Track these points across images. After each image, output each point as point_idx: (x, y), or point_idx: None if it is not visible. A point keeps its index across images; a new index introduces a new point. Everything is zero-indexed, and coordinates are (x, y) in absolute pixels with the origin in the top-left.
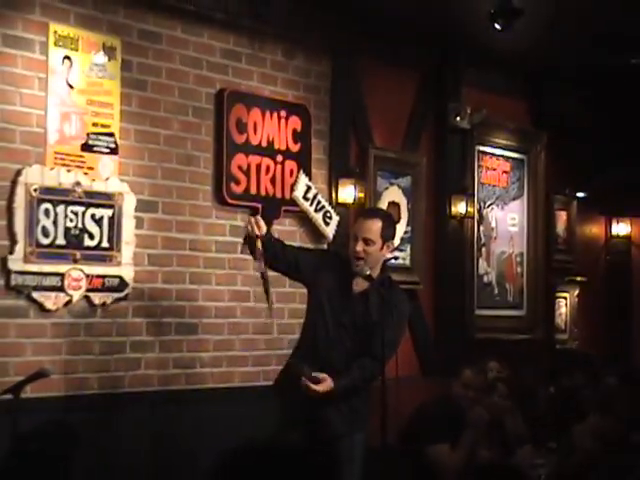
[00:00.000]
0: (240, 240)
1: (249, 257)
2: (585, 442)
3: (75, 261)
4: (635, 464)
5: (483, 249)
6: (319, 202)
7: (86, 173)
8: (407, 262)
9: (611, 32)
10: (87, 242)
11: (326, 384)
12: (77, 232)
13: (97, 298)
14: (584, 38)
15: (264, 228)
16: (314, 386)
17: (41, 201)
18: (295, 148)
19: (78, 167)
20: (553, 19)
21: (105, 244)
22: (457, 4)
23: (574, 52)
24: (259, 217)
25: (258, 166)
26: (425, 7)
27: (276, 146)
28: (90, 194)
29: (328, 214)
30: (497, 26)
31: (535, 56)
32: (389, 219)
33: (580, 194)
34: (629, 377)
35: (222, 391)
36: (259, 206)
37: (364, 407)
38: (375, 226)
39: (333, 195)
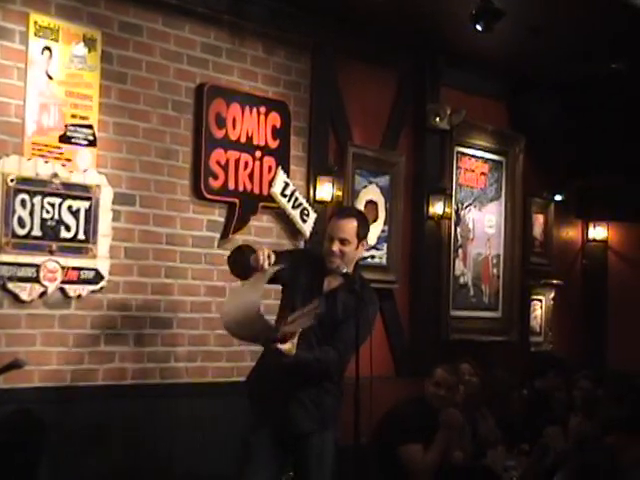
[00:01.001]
0: (217, 235)
1: (225, 252)
2: (558, 444)
3: (51, 252)
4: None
5: (460, 250)
6: (297, 199)
7: (64, 165)
8: (383, 261)
9: (592, 36)
10: (63, 234)
11: (288, 345)
12: (53, 224)
13: (72, 290)
14: (565, 41)
15: (273, 259)
16: (278, 344)
17: (18, 191)
18: (274, 144)
19: (56, 158)
20: (534, 22)
21: (81, 236)
22: (438, 5)
23: (554, 55)
24: (271, 251)
25: (237, 161)
26: (406, 7)
27: (255, 142)
28: (67, 186)
29: (306, 211)
30: (478, 27)
31: (515, 58)
32: (363, 218)
33: (557, 197)
34: (602, 380)
35: (196, 386)
36: (237, 201)
37: (333, 405)
38: (350, 225)
39: (311, 192)
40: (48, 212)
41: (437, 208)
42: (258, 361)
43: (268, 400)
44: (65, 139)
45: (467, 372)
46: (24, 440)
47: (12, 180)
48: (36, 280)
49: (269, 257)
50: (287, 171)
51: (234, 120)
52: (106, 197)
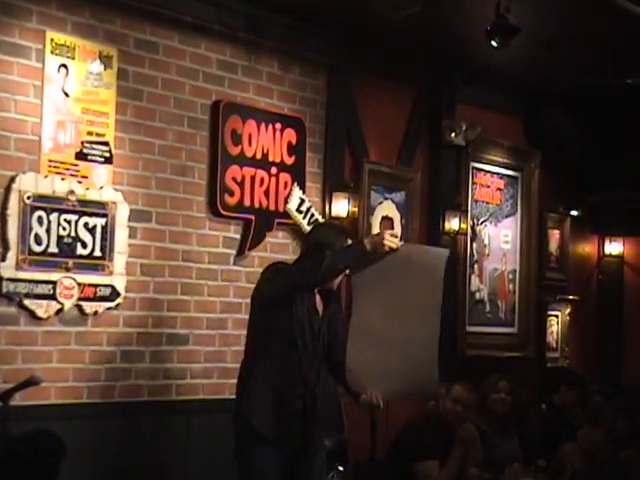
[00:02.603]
0: (233, 252)
1: (241, 269)
2: (574, 460)
3: (67, 269)
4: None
5: (475, 266)
6: (312, 215)
7: (80, 182)
8: None
9: (608, 52)
10: (80, 251)
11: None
12: (70, 240)
13: (89, 307)
14: (580, 57)
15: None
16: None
17: (34, 209)
18: (290, 161)
19: (72, 175)
20: (549, 37)
21: (98, 253)
22: (453, 22)
23: (570, 71)
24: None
25: (252, 178)
26: (421, 24)
27: (271, 158)
28: (83, 203)
29: None
30: (493, 43)
31: (531, 74)
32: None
33: (573, 212)
34: (614, 394)
35: (212, 403)
36: (252, 217)
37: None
38: None
39: (327, 209)
40: (64, 229)
41: (453, 224)
42: (257, 385)
43: (284, 421)
44: (81, 156)
45: (504, 390)
46: (45, 462)
47: (29, 197)
48: (52, 297)
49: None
50: (303, 187)
51: (250, 137)
52: (122, 214)
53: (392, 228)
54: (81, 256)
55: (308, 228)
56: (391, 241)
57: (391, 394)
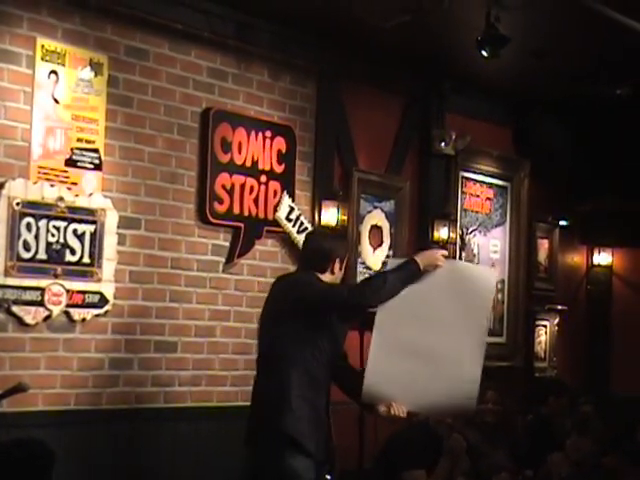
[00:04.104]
0: (222, 259)
1: (230, 276)
2: (562, 470)
3: (56, 276)
4: None
5: None
6: (302, 223)
7: (69, 188)
8: None
9: (597, 62)
10: (68, 257)
11: None
12: (59, 247)
13: (77, 314)
14: (570, 67)
15: None
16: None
17: (23, 215)
18: (279, 169)
19: (61, 182)
20: (538, 46)
21: (86, 260)
22: (443, 30)
23: (559, 81)
24: None
25: (242, 186)
26: (411, 33)
27: (260, 166)
28: (73, 209)
29: None
30: (484, 53)
31: (520, 84)
32: None
33: (562, 222)
34: (603, 404)
35: (200, 410)
36: (242, 225)
37: None
38: None
39: (316, 217)
40: (53, 235)
41: (442, 233)
42: (294, 400)
43: (319, 434)
44: (71, 163)
45: (492, 400)
46: (37, 468)
47: (18, 204)
48: (41, 303)
49: None
50: (292, 195)
51: (239, 144)
52: (111, 221)
53: (381, 237)
54: (70, 263)
55: (297, 236)
56: (443, 261)
57: (424, 408)
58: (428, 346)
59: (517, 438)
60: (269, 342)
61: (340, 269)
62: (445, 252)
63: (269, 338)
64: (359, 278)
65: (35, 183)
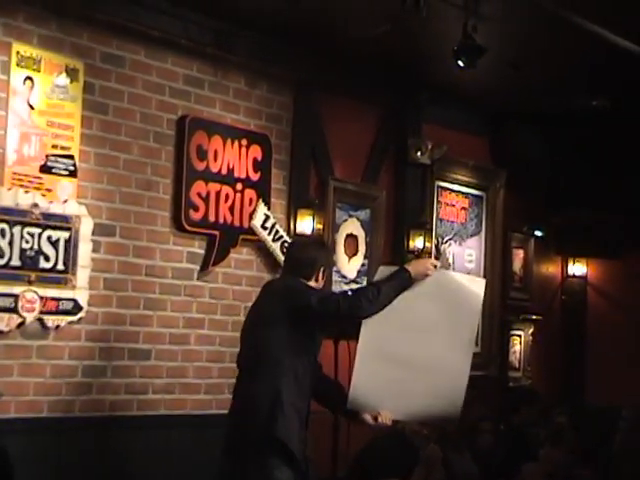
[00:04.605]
0: (197, 267)
1: (205, 284)
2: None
3: (30, 283)
4: None
5: None
6: (277, 232)
7: (44, 195)
8: None
9: (574, 73)
10: (42, 264)
11: None
12: (33, 254)
13: (51, 321)
14: (546, 78)
15: None
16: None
17: None
18: (255, 177)
19: (36, 188)
20: (515, 57)
21: (61, 267)
22: (420, 41)
23: (536, 92)
24: None
25: (217, 194)
26: (388, 43)
27: (236, 174)
28: (47, 216)
29: (286, 244)
30: (460, 63)
31: (497, 94)
32: None
33: (538, 233)
34: (578, 414)
35: (174, 418)
36: (217, 233)
37: None
38: None
39: (291, 225)
40: (27, 242)
41: (417, 242)
42: (288, 413)
43: (302, 442)
44: (46, 169)
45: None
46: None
47: None
48: (14, 310)
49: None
50: (268, 204)
51: (215, 152)
52: (86, 228)
53: (356, 246)
54: (44, 269)
55: (273, 245)
56: (433, 270)
57: (411, 417)
58: (414, 355)
59: (485, 447)
60: (258, 347)
61: (322, 278)
62: (436, 262)
63: (257, 343)
64: (334, 287)
65: (9, 189)
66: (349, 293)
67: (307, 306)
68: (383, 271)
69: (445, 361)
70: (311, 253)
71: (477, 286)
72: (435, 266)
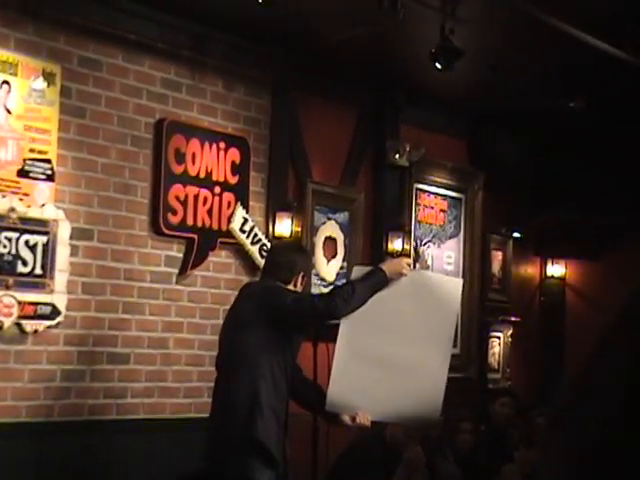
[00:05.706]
0: (175, 271)
1: (183, 288)
2: None
3: (7, 287)
4: None
5: None
6: (256, 235)
7: (21, 199)
8: None
9: (551, 75)
10: (20, 268)
11: None
12: (10, 258)
13: (29, 325)
14: (524, 80)
15: None
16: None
17: None
18: (233, 180)
19: (13, 193)
20: (492, 59)
21: (38, 271)
22: (398, 43)
23: (513, 93)
24: None
25: (195, 197)
26: (366, 45)
27: (214, 177)
28: (25, 220)
29: (264, 247)
30: (438, 66)
31: (475, 96)
32: None
33: (516, 234)
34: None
35: (153, 422)
36: (195, 237)
37: None
38: None
39: (270, 228)
40: (5, 246)
41: (396, 244)
42: (266, 414)
43: (281, 443)
44: (23, 173)
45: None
46: None
47: None
48: None
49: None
50: (246, 207)
51: (193, 155)
52: (64, 232)
53: (335, 248)
54: (22, 274)
55: (251, 248)
56: (408, 270)
57: (389, 418)
58: (393, 355)
59: (468, 449)
60: (235, 349)
61: (302, 284)
62: (410, 261)
63: (234, 345)
64: (313, 289)
65: None
66: (324, 293)
67: (283, 306)
68: (358, 271)
69: (423, 361)
70: (290, 257)
71: (454, 286)
72: (410, 265)
